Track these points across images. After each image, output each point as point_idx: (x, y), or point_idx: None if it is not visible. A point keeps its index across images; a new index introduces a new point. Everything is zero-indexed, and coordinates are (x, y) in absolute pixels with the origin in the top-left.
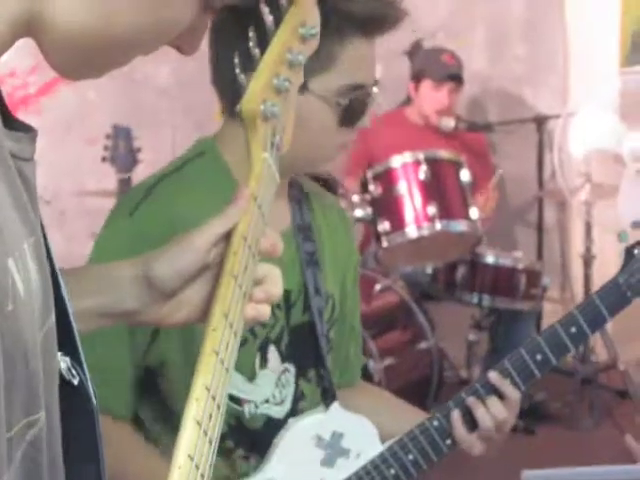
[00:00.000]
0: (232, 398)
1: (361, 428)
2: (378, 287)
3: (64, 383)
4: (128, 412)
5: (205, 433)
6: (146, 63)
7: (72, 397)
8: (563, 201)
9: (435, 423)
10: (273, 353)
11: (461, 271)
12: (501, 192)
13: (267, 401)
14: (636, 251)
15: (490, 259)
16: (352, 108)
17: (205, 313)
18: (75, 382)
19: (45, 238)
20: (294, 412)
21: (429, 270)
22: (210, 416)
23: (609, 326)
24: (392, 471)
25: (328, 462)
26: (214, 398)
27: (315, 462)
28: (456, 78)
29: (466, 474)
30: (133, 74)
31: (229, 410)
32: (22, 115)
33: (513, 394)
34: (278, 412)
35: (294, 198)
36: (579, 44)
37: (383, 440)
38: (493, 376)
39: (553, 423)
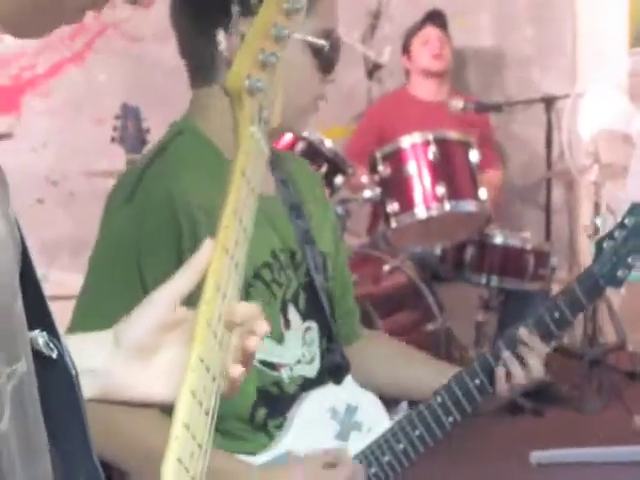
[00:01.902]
0: (267, 364)
1: (372, 402)
2: (387, 268)
3: (43, 358)
4: None
5: (200, 404)
6: (155, 43)
7: (52, 370)
8: (571, 182)
9: (439, 400)
10: (293, 313)
11: (470, 251)
12: (509, 173)
13: (299, 362)
14: (605, 244)
15: (499, 240)
16: (330, 52)
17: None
18: (54, 355)
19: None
20: (323, 370)
21: (438, 251)
22: (204, 388)
23: (618, 307)
24: (401, 446)
25: (342, 435)
26: (208, 370)
27: (330, 435)
28: (435, 19)
29: (476, 455)
30: (142, 55)
31: (268, 378)
32: (29, 97)
33: (542, 348)
34: (310, 371)
35: (272, 163)
36: (588, 24)
37: (397, 389)
38: (523, 333)
39: (561, 405)
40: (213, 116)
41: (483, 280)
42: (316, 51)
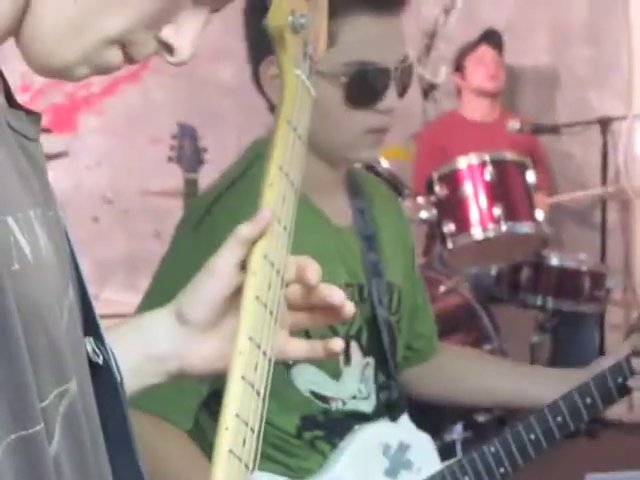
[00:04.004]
0: (318, 396)
1: (425, 443)
2: (442, 289)
3: (90, 364)
4: (190, 424)
5: (252, 386)
6: (211, 62)
7: (98, 377)
8: (627, 202)
9: (492, 449)
10: (355, 349)
11: (525, 273)
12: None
13: (354, 397)
14: None
15: (555, 261)
16: (357, 86)
17: None
18: (100, 361)
19: (62, 221)
20: (379, 406)
21: (493, 272)
22: (256, 366)
23: None
24: None
25: (391, 472)
26: (259, 346)
27: (379, 470)
28: (491, 38)
29: (531, 478)
30: (198, 73)
31: (316, 408)
32: (84, 115)
33: None
34: (367, 406)
35: (351, 191)
36: None
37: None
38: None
39: (616, 427)
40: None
41: (539, 301)
42: (340, 84)
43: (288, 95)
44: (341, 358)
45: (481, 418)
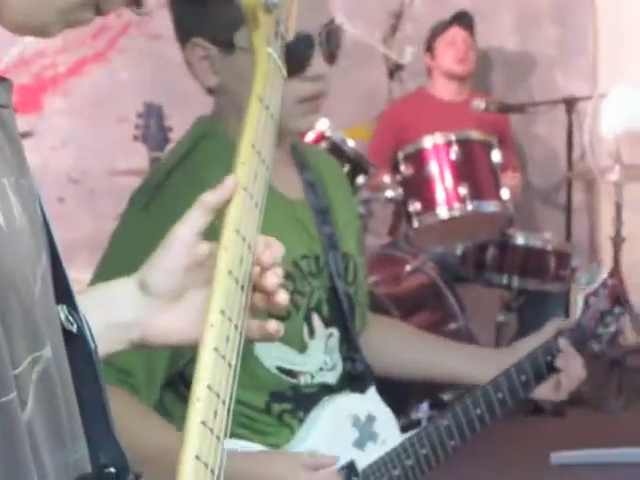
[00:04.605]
0: (286, 372)
1: (389, 416)
2: (408, 268)
3: (64, 332)
4: (152, 402)
5: (223, 357)
6: (177, 42)
7: (72, 345)
8: (592, 182)
9: (445, 423)
10: (317, 321)
11: (491, 252)
12: (529, 173)
13: (321, 369)
14: (591, 299)
15: (520, 240)
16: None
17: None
18: (74, 329)
19: (35, 189)
20: (344, 376)
21: (459, 251)
22: (227, 338)
23: (638, 309)
24: (410, 462)
25: (360, 443)
26: (230, 320)
27: (348, 441)
28: (462, 20)
29: (497, 456)
30: (165, 53)
31: (285, 384)
32: (51, 95)
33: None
34: (331, 377)
35: (298, 164)
36: (609, 25)
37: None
38: (563, 342)
39: (582, 405)
40: (237, 119)
41: (504, 281)
42: None
43: (260, 73)
44: (305, 331)
45: (447, 397)
